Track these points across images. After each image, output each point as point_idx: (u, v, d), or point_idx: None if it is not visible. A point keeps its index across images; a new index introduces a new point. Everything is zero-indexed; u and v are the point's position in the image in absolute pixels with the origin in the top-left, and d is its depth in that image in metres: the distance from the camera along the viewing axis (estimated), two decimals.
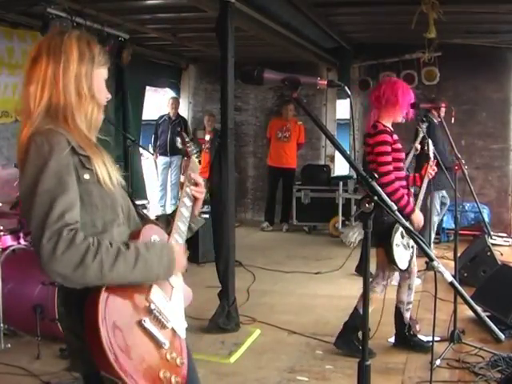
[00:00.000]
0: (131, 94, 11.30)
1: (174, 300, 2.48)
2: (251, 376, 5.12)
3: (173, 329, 2.42)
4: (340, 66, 11.79)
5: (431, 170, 5.51)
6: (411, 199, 5.36)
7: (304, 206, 11.74)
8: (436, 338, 5.54)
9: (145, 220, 2.62)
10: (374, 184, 2.36)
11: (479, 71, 11.08)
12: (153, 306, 2.32)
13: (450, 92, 11.20)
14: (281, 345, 5.86)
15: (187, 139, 3.00)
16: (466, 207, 10.33)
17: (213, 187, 6.18)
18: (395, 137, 5.35)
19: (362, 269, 8.11)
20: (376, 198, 2.33)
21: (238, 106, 12.38)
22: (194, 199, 2.79)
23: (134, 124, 11.47)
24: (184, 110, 13.66)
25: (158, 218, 2.83)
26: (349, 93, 2.64)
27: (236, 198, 6.44)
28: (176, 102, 12.86)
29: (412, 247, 5.36)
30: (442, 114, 6.19)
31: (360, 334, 4.95)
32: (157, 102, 15.43)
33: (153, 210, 11.86)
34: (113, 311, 2.18)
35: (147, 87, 12.47)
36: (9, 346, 5.35)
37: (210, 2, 6.78)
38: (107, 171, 2.36)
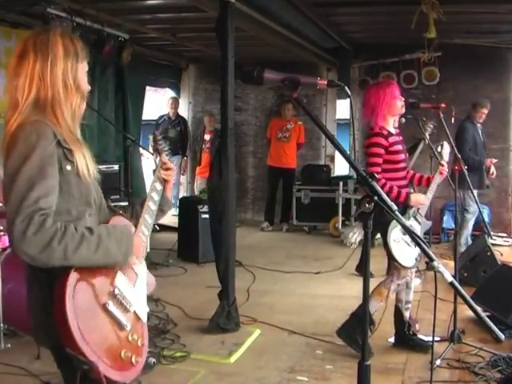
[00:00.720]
0: (131, 94, 11.29)
1: (137, 287, 2.72)
2: (251, 376, 5.12)
3: (135, 313, 2.63)
4: (340, 66, 11.79)
5: (443, 170, 5.51)
6: (403, 190, 5.34)
7: (304, 206, 11.74)
8: (436, 338, 5.54)
9: (113, 212, 2.84)
10: (374, 184, 2.36)
11: (479, 71, 11.08)
12: (117, 291, 2.53)
13: (450, 92, 11.21)
14: (281, 345, 5.86)
15: (159, 137, 3.17)
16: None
17: (212, 187, 6.18)
18: (393, 139, 5.35)
19: (362, 268, 8.15)
20: (376, 197, 2.33)
21: (238, 106, 12.37)
22: (165, 182, 3.02)
23: (133, 124, 11.46)
24: (184, 110, 13.66)
25: (127, 208, 3.08)
26: (349, 93, 2.64)
27: (236, 198, 6.44)
28: (176, 102, 12.87)
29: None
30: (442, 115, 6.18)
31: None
32: (157, 102, 15.42)
33: None
34: (80, 293, 2.37)
35: (147, 87, 12.46)
36: (9, 345, 5.36)
37: (210, 2, 6.78)
38: (86, 164, 2.55)
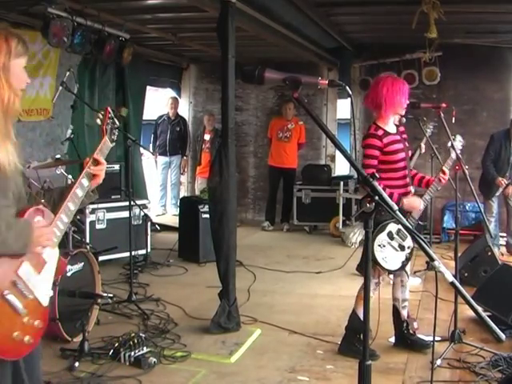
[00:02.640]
0: (132, 94, 11.31)
1: (43, 273, 2.88)
2: (252, 376, 5.12)
3: (36, 298, 2.83)
4: (341, 65, 11.78)
5: (443, 175, 5.49)
6: (395, 191, 5.32)
7: (305, 206, 11.74)
8: (437, 338, 5.54)
9: (34, 200, 2.95)
10: (375, 184, 2.36)
11: (480, 71, 11.08)
12: (18, 281, 2.72)
13: (451, 92, 11.21)
14: (281, 345, 5.86)
15: (110, 114, 3.18)
16: (467, 207, 10.35)
17: (213, 187, 6.18)
18: (390, 138, 5.32)
19: (362, 268, 8.13)
20: (377, 197, 2.33)
21: (238, 106, 12.37)
22: (94, 176, 3.07)
23: (134, 124, 11.48)
24: (184, 110, 13.66)
25: (51, 190, 3.17)
26: (350, 92, 2.65)
27: (236, 198, 6.44)
28: (175, 102, 12.87)
29: (408, 248, 5.32)
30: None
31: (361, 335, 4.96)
32: (157, 102, 15.41)
33: (153, 210, 11.88)
34: None
35: (148, 87, 12.46)
36: None
37: (211, 1, 6.77)
38: (8, 159, 2.67)
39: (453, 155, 5.64)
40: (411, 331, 5.62)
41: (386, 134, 5.31)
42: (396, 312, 5.66)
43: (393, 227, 5.23)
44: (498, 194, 9.27)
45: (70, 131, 9.00)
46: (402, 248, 5.28)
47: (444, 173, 5.46)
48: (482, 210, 7.32)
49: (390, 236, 5.22)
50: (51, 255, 2.93)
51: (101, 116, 3.14)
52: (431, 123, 6.29)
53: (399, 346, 5.63)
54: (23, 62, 2.79)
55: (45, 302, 2.89)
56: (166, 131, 12.69)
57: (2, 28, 2.76)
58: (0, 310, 2.67)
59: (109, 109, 3.21)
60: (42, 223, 2.82)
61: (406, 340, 5.59)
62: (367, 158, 5.28)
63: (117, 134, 3.23)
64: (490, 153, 9.20)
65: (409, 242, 5.32)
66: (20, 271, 2.73)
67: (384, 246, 5.20)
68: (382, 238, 5.19)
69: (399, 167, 5.35)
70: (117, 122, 3.21)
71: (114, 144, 3.22)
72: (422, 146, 7.52)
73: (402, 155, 5.35)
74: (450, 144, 5.69)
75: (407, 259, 5.36)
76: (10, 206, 2.74)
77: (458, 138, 5.79)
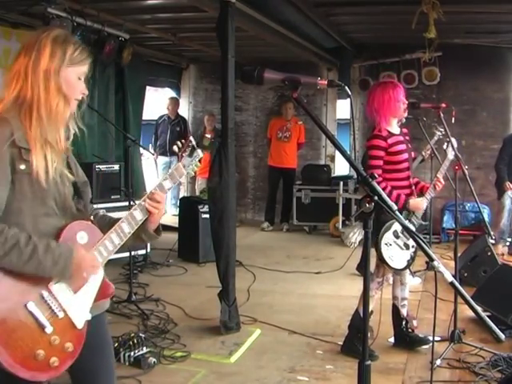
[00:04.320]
0: (131, 94, 11.30)
1: (80, 293, 2.67)
2: (252, 376, 5.12)
3: (68, 318, 2.62)
4: (340, 65, 11.78)
5: (439, 182, 5.49)
6: (402, 192, 5.35)
7: (304, 206, 11.74)
8: (436, 338, 5.54)
9: (81, 214, 2.76)
10: (375, 184, 2.36)
11: (480, 71, 11.08)
12: (45, 294, 2.54)
13: (451, 92, 11.21)
14: (281, 345, 5.86)
15: (191, 143, 2.96)
16: (467, 207, 10.34)
17: (213, 187, 6.18)
18: (394, 139, 5.34)
19: (362, 268, 8.09)
20: (376, 197, 2.33)
21: (238, 106, 12.38)
22: (150, 213, 2.83)
23: (134, 124, 11.47)
24: (184, 110, 13.67)
25: (101, 216, 2.97)
26: (349, 93, 2.64)
27: (236, 198, 6.44)
28: (174, 103, 12.88)
29: (413, 247, 5.34)
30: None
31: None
32: (157, 102, 15.41)
33: None
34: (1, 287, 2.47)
35: (147, 87, 12.46)
36: None
37: (211, 1, 6.77)
38: (45, 166, 2.55)
39: (449, 156, 5.64)
40: (410, 329, 5.62)
41: (390, 134, 5.34)
42: (395, 310, 5.67)
43: (398, 226, 5.23)
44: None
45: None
46: (407, 247, 5.30)
47: (439, 180, 5.47)
48: (481, 209, 7.31)
49: (396, 235, 5.23)
50: (94, 276, 2.72)
51: (179, 144, 3.02)
52: (441, 126, 6.25)
53: (399, 345, 5.64)
54: (80, 71, 2.69)
55: (79, 324, 2.66)
56: (166, 131, 12.70)
57: (61, 33, 2.68)
58: (21, 322, 2.49)
59: (191, 138, 3.01)
60: (85, 240, 2.68)
61: (405, 338, 5.60)
62: (373, 159, 5.31)
63: (195, 165, 2.99)
64: (503, 157, 9.37)
65: (412, 241, 5.33)
66: (51, 285, 2.57)
67: (390, 244, 5.21)
68: (388, 236, 5.20)
69: (403, 168, 5.38)
70: (199, 153, 2.96)
71: (191, 175, 3.06)
72: (426, 153, 7.56)
73: (405, 156, 5.38)
74: (445, 146, 5.69)
75: (412, 258, 5.37)
76: (50, 214, 2.62)
77: (453, 140, 5.80)
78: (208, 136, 11.49)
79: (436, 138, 6.35)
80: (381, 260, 5.23)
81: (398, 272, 5.49)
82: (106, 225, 2.83)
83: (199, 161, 3.01)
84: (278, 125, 12.15)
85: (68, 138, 2.76)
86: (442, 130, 6.19)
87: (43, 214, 2.60)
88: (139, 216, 2.80)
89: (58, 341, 2.57)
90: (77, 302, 2.66)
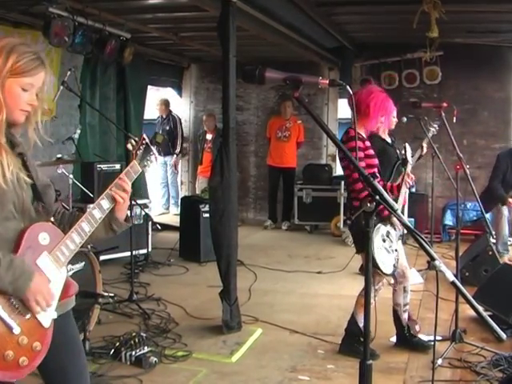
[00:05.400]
0: (133, 94, 11.32)
1: None
2: (253, 375, 5.12)
3: (35, 318, 2.66)
4: (342, 65, 11.76)
5: (409, 178, 5.42)
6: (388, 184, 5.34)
7: (306, 206, 11.73)
8: (438, 338, 5.53)
9: (40, 217, 2.79)
10: (376, 183, 2.36)
11: (481, 70, 11.08)
12: (13, 298, 2.58)
13: (452, 91, 11.21)
14: (282, 344, 5.86)
15: (145, 141, 3.03)
16: (468, 206, 10.32)
17: (214, 186, 6.18)
18: (367, 143, 5.33)
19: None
20: (377, 197, 2.33)
21: (239, 106, 12.38)
22: (117, 202, 2.89)
23: (135, 123, 11.49)
24: (185, 110, 13.69)
25: (69, 214, 3.00)
26: (350, 92, 2.64)
27: (238, 198, 6.44)
28: (161, 103, 13.12)
29: (396, 251, 5.31)
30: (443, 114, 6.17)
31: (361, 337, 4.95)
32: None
33: (155, 210, 11.90)
34: None
35: (149, 86, 12.47)
36: None
37: (212, 1, 6.77)
38: (1, 171, 2.58)
39: (408, 155, 5.58)
40: (413, 334, 5.61)
41: (364, 138, 5.36)
42: (397, 316, 5.64)
43: (383, 230, 5.22)
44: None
45: (78, 131, 9.04)
46: (392, 250, 5.27)
47: (408, 175, 5.41)
48: (484, 212, 7.26)
49: (383, 239, 5.21)
50: (57, 275, 2.77)
51: (133, 142, 3.04)
52: (436, 122, 6.25)
53: (400, 346, 5.63)
54: (25, 81, 2.66)
55: (46, 323, 2.71)
56: (159, 131, 12.77)
57: (9, 43, 2.65)
58: None
59: (144, 135, 3.07)
60: (47, 240, 2.71)
61: (409, 343, 5.58)
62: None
63: (152, 161, 3.05)
64: (498, 174, 8.79)
65: (395, 245, 5.31)
66: None
67: (380, 248, 5.18)
68: (378, 240, 5.17)
69: (375, 172, 5.30)
70: (153, 150, 3.03)
71: (146, 170, 3.10)
72: (424, 146, 7.49)
73: (376, 160, 5.35)
74: (403, 151, 5.60)
75: (396, 262, 5.33)
76: (9, 218, 2.64)
77: (435, 125, 5.81)
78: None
79: (430, 134, 6.33)
80: (374, 266, 5.17)
81: (387, 277, 5.47)
82: (75, 221, 2.86)
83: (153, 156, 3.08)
84: (277, 124, 12.17)
85: (23, 144, 2.79)
86: (436, 125, 6.20)
87: (3, 218, 2.62)
88: (98, 214, 2.85)
89: (26, 341, 2.62)
90: None
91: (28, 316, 2.63)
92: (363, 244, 4.94)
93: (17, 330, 2.58)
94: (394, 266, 5.31)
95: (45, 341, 2.70)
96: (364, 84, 11.46)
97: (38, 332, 2.67)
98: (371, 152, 5.31)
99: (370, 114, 5.31)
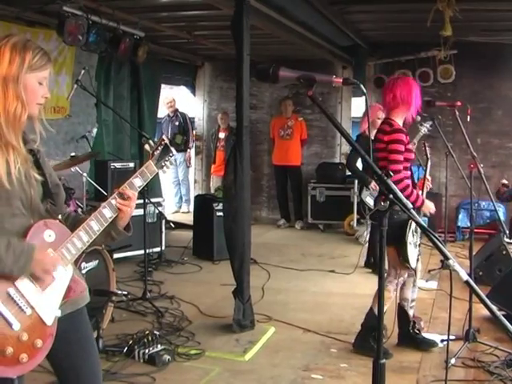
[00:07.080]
0: (146, 92, 11.35)
1: (48, 291, 2.71)
2: (266, 374, 5.13)
3: (36, 315, 2.66)
4: (355, 63, 11.77)
5: (428, 182, 5.47)
6: (420, 193, 5.37)
7: (319, 204, 11.73)
8: (451, 337, 5.51)
9: (50, 215, 2.80)
10: (390, 182, 2.36)
11: (495, 69, 11.03)
12: (12, 292, 2.60)
13: (466, 90, 11.16)
14: (295, 343, 5.86)
15: (165, 141, 2.97)
16: (482, 206, 10.28)
17: (227, 185, 6.18)
18: (408, 138, 5.33)
19: (370, 263, 8.15)
20: (391, 196, 2.32)
21: (253, 104, 12.36)
22: (120, 211, 2.85)
23: (149, 122, 11.53)
24: (199, 108, 13.72)
25: (74, 216, 2.99)
26: (364, 91, 2.63)
27: (251, 196, 6.44)
28: (173, 100, 13.10)
29: (419, 245, 5.35)
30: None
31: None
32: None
33: (168, 208, 11.92)
34: None
35: (162, 85, 12.50)
36: None
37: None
38: (6, 168, 2.61)
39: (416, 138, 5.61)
40: (418, 330, 5.59)
41: (407, 132, 5.33)
42: (402, 312, 5.60)
43: (413, 225, 5.21)
44: None
45: (95, 130, 9.09)
46: (416, 245, 5.31)
47: (428, 179, 5.48)
48: (497, 208, 7.20)
49: (412, 234, 5.24)
50: (62, 273, 2.76)
51: (151, 143, 3.04)
52: (428, 122, 6.23)
53: (402, 345, 5.60)
54: (41, 75, 2.72)
55: (49, 320, 2.69)
56: (167, 128, 12.89)
57: (20, 40, 2.70)
58: None
59: (163, 136, 3.03)
60: (52, 238, 2.72)
61: (414, 340, 5.57)
62: (395, 154, 5.19)
63: (171, 162, 2.99)
64: None
65: (419, 240, 5.37)
66: (18, 283, 2.62)
67: (410, 243, 5.21)
68: (409, 235, 5.19)
69: (410, 166, 5.35)
70: (173, 151, 2.96)
71: (164, 171, 3.02)
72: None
73: (413, 155, 5.41)
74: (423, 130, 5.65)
75: (419, 256, 5.39)
76: (17, 214, 2.67)
77: (428, 123, 5.81)
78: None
79: (422, 133, 6.31)
80: (405, 260, 5.20)
81: (411, 271, 5.47)
82: (78, 222, 2.84)
83: (172, 157, 3.03)
84: (279, 123, 12.20)
85: (35, 141, 2.81)
86: (428, 125, 6.18)
87: (10, 215, 2.65)
88: (108, 214, 2.82)
89: (27, 337, 2.62)
90: (45, 299, 2.70)
91: (29, 312, 2.64)
92: (395, 238, 5.04)
93: (17, 326, 2.59)
94: (417, 260, 5.35)
95: (47, 338, 2.70)
96: (378, 83, 11.48)
97: (39, 329, 2.67)
98: (410, 146, 5.33)
99: (412, 104, 5.29)
